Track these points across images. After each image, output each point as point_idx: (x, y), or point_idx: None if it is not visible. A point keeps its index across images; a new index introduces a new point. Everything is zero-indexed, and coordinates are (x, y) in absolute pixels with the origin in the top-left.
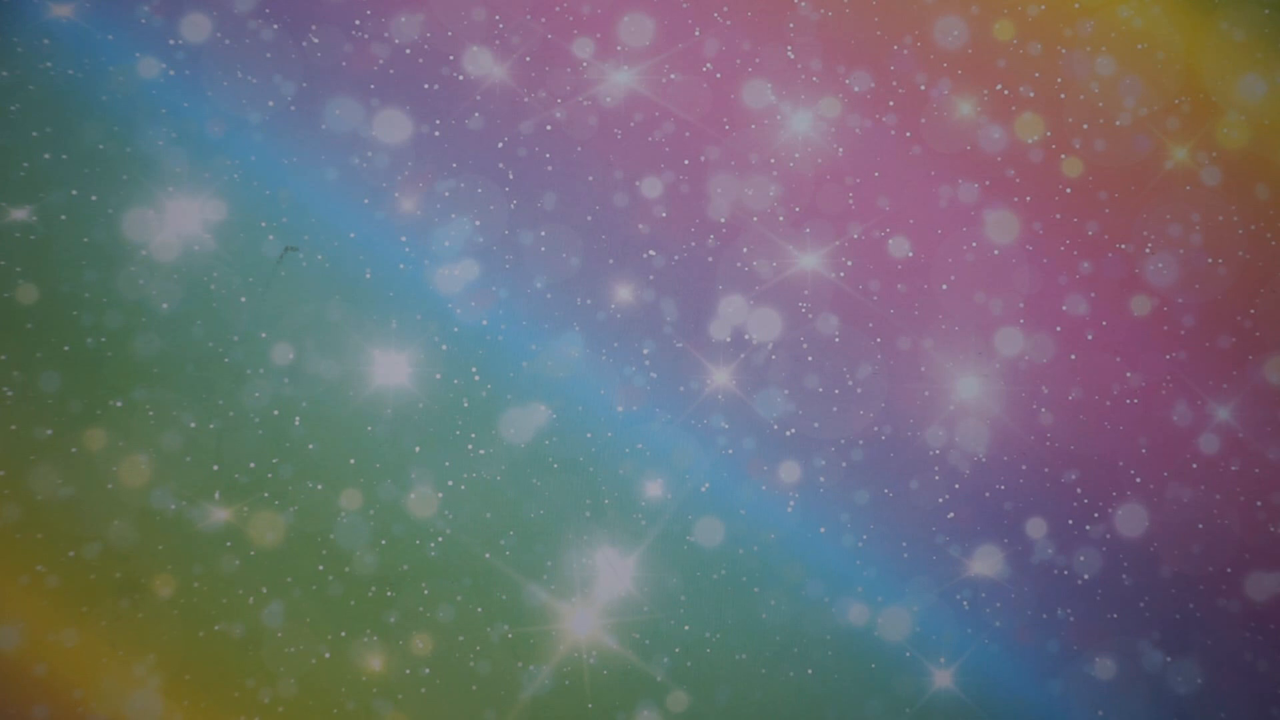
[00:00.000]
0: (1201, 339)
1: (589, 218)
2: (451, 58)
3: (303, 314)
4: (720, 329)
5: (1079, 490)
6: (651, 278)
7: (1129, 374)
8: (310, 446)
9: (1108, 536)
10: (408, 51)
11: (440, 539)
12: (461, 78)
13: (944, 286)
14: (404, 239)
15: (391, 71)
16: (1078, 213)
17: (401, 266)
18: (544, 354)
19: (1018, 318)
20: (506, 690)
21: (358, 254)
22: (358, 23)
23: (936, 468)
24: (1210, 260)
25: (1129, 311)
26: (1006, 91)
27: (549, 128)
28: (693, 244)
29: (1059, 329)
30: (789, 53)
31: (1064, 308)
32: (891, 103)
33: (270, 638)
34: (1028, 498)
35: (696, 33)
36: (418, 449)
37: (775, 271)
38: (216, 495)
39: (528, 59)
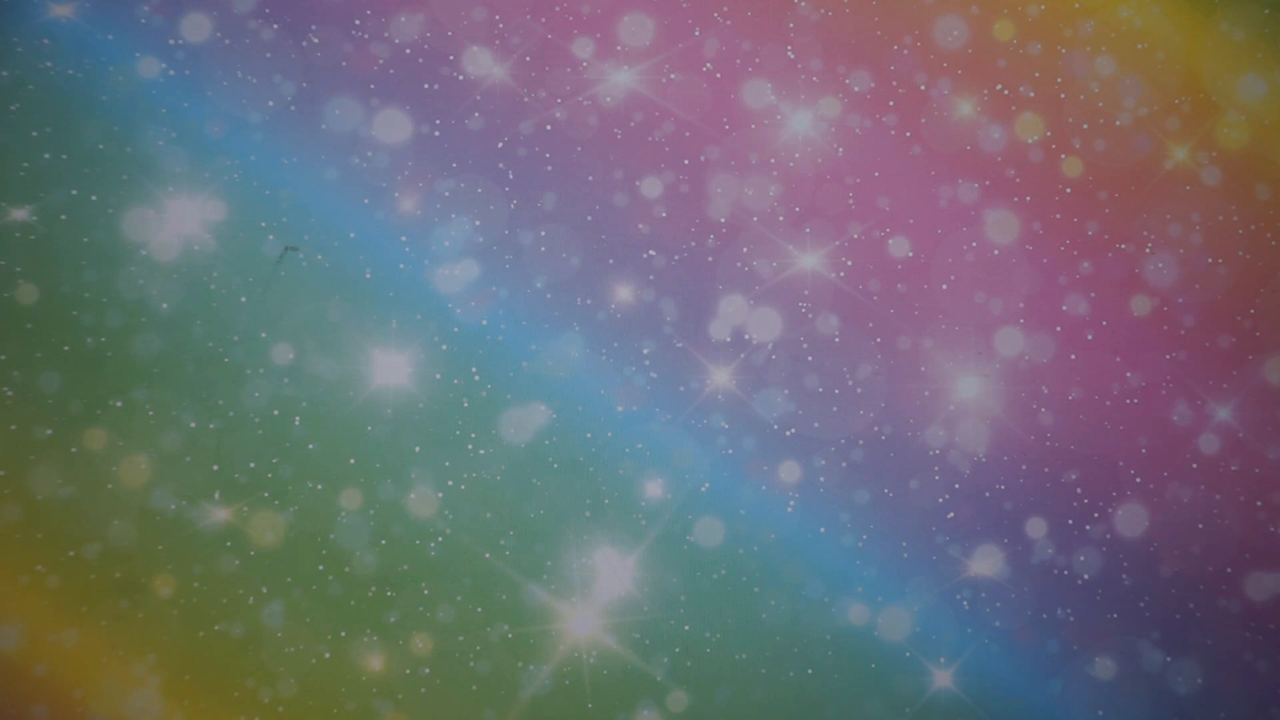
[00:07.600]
0: (1201, 339)
1: (589, 218)
2: (451, 58)
3: (303, 314)
4: (720, 329)
5: (1079, 490)
6: (651, 278)
7: (1129, 374)
8: (310, 446)
9: (1108, 536)
10: (408, 51)
11: (440, 539)
12: (461, 78)
13: (944, 286)
14: (404, 239)
15: (391, 71)
16: (1078, 213)
17: (401, 266)
18: (544, 354)
19: (1018, 318)
20: (506, 690)
21: (358, 254)
22: (358, 23)
23: (936, 468)
24: (1210, 260)
25: (1129, 311)
26: (1006, 91)
27: (549, 128)
28: (693, 244)
29: (1059, 329)
30: (789, 53)
31: (1064, 308)
32: (891, 103)
33: (270, 638)
34: (1028, 498)
35: (696, 33)
36: (418, 449)
37: (775, 271)
38: (216, 495)
39: (528, 59)
